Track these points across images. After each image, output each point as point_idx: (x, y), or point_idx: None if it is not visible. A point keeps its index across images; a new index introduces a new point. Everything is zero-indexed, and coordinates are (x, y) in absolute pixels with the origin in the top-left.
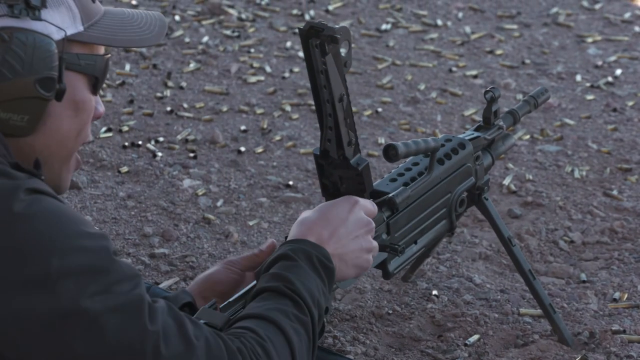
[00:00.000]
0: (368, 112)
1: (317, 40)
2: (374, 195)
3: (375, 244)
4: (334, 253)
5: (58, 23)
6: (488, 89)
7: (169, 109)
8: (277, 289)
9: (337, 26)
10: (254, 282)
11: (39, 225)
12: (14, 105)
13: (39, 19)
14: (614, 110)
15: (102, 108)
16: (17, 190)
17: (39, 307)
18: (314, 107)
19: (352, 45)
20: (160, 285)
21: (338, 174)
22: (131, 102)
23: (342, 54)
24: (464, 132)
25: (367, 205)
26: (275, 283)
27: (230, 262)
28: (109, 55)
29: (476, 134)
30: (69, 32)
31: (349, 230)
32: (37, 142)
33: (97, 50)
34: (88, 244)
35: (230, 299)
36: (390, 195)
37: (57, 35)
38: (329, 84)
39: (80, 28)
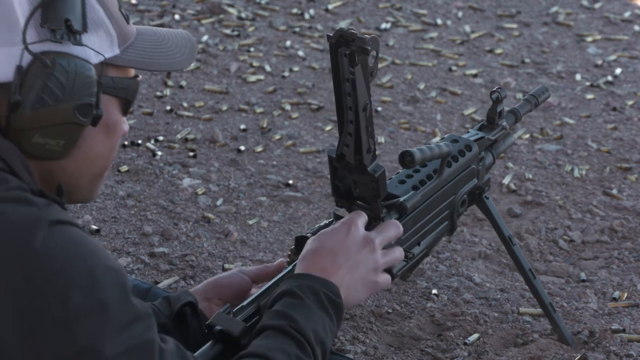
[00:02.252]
0: None
1: (347, 50)
2: (384, 198)
3: (380, 260)
4: (341, 283)
5: (96, 47)
6: (494, 89)
7: (168, 108)
8: (281, 328)
9: (367, 36)
10: (264, 287)
11: (59, 261)
12: (52, 130)
13: (80, 43)
14: (614, 109)
15: (127, 127)
16: (38, 222)
17: (55, 345)
18: (313, 106)
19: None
20: (160, 285)
21: (353, 178)
22: None
23: (370, 64)
24: (463, 131)
25: (364, 222)
26: (279, 322)
27: (242, 271)
28: (140, 77)
29: (480, 134)
30: (107, 55)
31: (351, 254)
32: (69, 165)
33: (129, 72)
34: (106, 281)
35: (243, 303)
36: (401, 200)
37: (95, 59)
38: (354, 92)
39: (117, 51)
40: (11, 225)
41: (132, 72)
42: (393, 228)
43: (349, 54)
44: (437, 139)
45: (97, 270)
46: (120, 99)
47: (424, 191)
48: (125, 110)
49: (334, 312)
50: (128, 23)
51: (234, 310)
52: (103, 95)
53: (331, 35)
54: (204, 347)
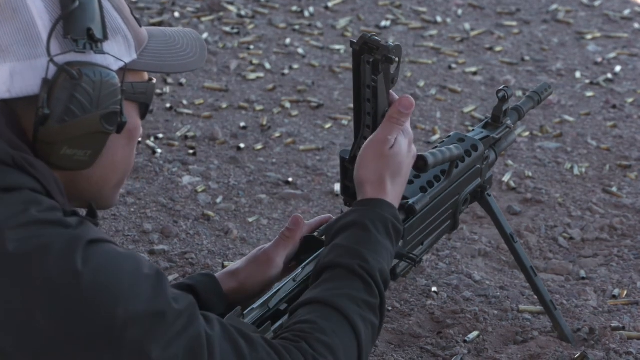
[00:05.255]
0: None
1: (370, 57)
2: None
3: (414, 150)
4: (400, 197)
5: (116, 53)
6: (501, 87)
7: (168, 105)
8: (350, 267)
9: (390, 44)
10: (276, 289)
11: (101, 278)
12: (80, 141)
13: (102, 52)
14: (614, 107)
15: (141, 130)
16: (76, 245)
17: None
18: (313, 104)
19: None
20: None
21: None
22: None
23: (391, 71)
24: (463, 129)
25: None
26: (349, 260)
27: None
28: (154, 80)
29: (485, 132)
30: (126, 61)
31: (404, 167)
32: (93, 173)
33: (145, 76)
34: (146, 288)
35: (254, 305)
36: (410, 202)
37: (115, 65)
38: (375, 99)
39: (134, 56)
40: (50, 249)
41: (147, 75)
42: (408, 109)
43: (372, 62)
44: (437, 136)
45: (136, 279)
46: (139, 103)
47: (432, 193)
48: (144, 114)
49: (396, 239)
50: (140, 26)
51: (244, 312)
52: (125, 101)
53: (355, 41)
54: None
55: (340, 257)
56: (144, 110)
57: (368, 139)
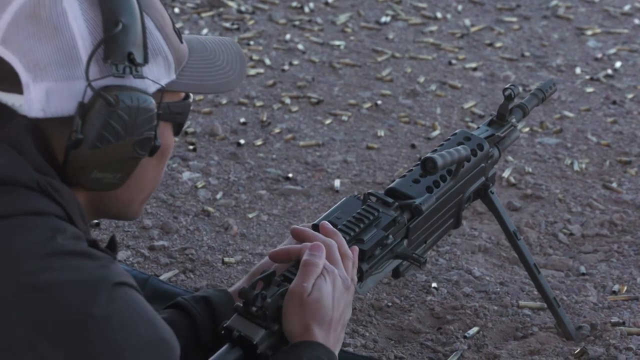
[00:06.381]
0: (367, 105)
1: None
2: (397, 196)
3: (352, 281)
4: (334, 342)
5: (155, 76)
6: (508, 85)
7: None
8: None
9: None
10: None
11: (112, 330)
12: (111, 165)
13: (141, 76)
14: (614, 102)
15: (172, 147)
16: (103, 283)
17: None
18: (313, 100)
19: (352, 38)
20: (160, 277)
21: None
22: None
23: None
24: (463, 125)
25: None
26: None
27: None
28: (192, 99)
29: (490, 130)
30: (164, 83)
31: (341, 310)
32: (121, 192)
33: (182, 95)
34: (156, 356)
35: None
36: (416, 202)
37: (153, 88)
38: None
39: (173, 76)
40: (76, 281)
41: (183, 93)
42: (318, 251)
43: None
44: (437, 132)
45: (149, 342)
46: (174, 122)
47: (438, 193)
48: (178, 132)
49: None
50: (182, 42)
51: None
52: (160, 122)
53: None
54: (221, 350)
55: None
56: (179, 129)
57: (288, 291)
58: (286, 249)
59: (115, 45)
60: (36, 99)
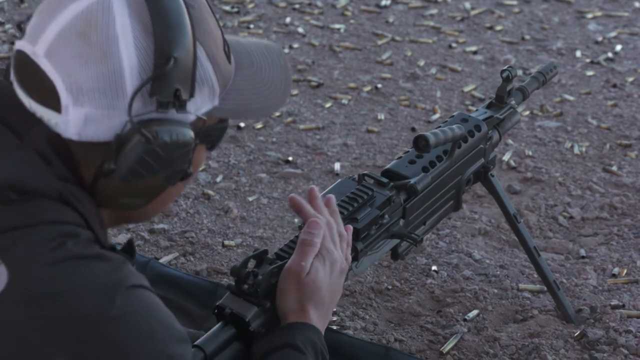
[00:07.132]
0: (368, 88)
1: None
2: (393, 176)
3: (346, 261)
4: (323, 324)
5: (198, 107)
6: (505, 67)
7: None
8: None
9: None
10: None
11: (127, 331)
12: (140, 194)
13: (184, 111)
14: (614, 86)
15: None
16: (118, 286)
17: None
18: (313, 83)
19: (352, 21)
20: (160, 260)
21: None
22: None
23: None
24: (463, 108)
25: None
26: None
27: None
28: (229, 122)
29: (489, 112)
30: (206, 109)
31: (335, 293)
32: (144, 209)
33: None
34: (171, 353)
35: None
36: (411, 182)
37: (193, 117)
38: None
39: (216, 102)
40: (88, 286)
41: None
42: (316, 229)
43: None
44: (437, 115)
45: (163, 342)
46: (209, 142)
47: (434, 173)
48: (212, 149)
49: None
50: (230, 62)
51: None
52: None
53: None
54: (213, 329)
55: None
56: (213, 147)
57: (284, 268)
58: (304, 205)
59: (163, 82)
60: (73, 123)
